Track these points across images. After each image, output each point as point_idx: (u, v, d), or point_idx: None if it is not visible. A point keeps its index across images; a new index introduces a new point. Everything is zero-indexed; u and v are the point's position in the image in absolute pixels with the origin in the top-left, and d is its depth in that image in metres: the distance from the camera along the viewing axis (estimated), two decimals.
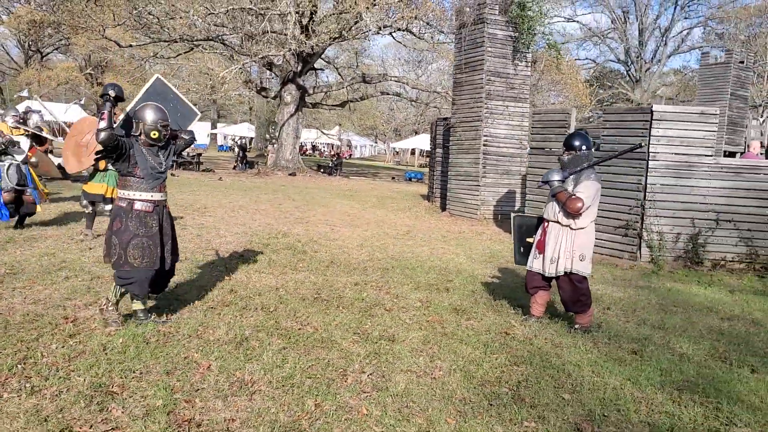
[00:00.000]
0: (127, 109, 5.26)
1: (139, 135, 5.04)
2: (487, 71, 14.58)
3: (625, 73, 51.48)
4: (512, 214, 6.55)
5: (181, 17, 23.87)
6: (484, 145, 14.68)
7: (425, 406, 3.89)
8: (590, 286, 7.71)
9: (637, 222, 9.60)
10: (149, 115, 5.03)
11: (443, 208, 16.69)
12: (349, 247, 9.69)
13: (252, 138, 56.63)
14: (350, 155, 64.69)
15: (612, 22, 49.09)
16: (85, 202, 8.82)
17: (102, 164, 8.56)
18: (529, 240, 6.05)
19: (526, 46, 14.85)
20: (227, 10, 24.20)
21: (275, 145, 30.52)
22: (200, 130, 57.47)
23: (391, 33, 27.70)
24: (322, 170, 32.92)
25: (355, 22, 25.78)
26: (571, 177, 5.59)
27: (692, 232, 9.44)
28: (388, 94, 35.37)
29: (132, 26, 26.03)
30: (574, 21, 49.27)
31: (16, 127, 9.23)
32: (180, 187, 17.75)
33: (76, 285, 6.19)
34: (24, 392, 3.70)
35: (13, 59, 57.41)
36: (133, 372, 4.12)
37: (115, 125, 4.83)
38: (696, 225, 9.44)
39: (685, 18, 49.09)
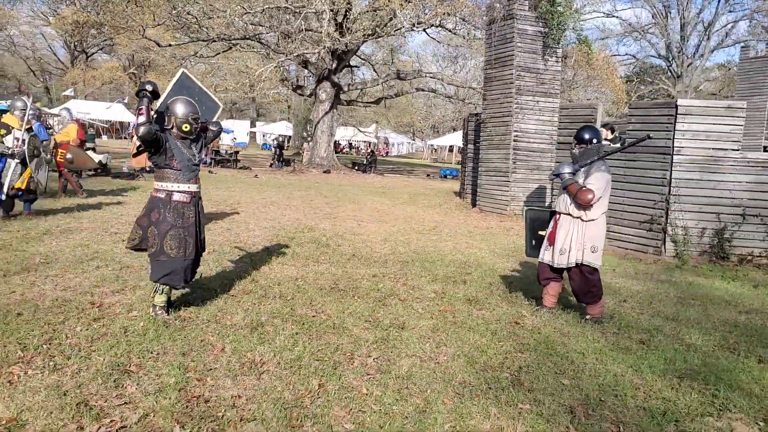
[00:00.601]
0: (158, 103, 5.50)
1: (171, 128, 5.22)
2: (516, 66, 14.58)
3: (666, 68, 50.48)
4: (524, 208, 6.64)
5: (218, 17, 24.32)
6: (515, 140, 14.68)
7: (425, 388, 4.04)
8: (611, 279, 7.79)
9: (662, 217, 9.57)
10: (180, 109, 5.22)
11: (474, 204, 16.72)
12: (373, 241, 9.86)
13: (290, 136, 57.23)
14: (387, 153, 64.72)
15: (653, 16, 48.18)
16: None
17: None
18: (542, 233, 6.14)
19: (556, 41, 14.80)
20: (264, 9, 24.56)
21: (310, 143, 30.84)
22: (240, 128, 58.38)
23: (425, 29, 27.75)
24: (356, 167, 33.10)
25: (390, 19, 25.92)
26: (582, 169, 5.67)
27: (718, 227, 9.37)
28: (423, 90, 35.40)
29: (172, 26, 26.64)
30: (613, 16, 48.61)
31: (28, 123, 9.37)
32: (216, 183, 18.14)
33: (106, 274, 6.49)
34: (47, 369, 3.96)
35: (59, 59, 59.28)
36: (151, 353, 4.35)
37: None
38: (722, 220, 9.36)
39: (730, 11, 47.80)
